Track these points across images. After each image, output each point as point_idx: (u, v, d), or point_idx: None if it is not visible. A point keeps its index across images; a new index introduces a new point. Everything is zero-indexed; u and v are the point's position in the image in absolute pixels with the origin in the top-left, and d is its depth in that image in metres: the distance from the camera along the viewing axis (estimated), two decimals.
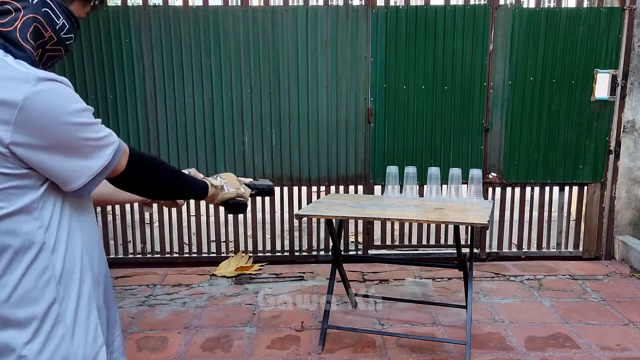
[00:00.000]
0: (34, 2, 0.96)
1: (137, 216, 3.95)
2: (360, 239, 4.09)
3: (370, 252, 4.02)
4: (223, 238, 4.03)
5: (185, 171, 1.30)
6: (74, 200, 0.99)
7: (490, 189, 3.91)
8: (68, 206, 0.97)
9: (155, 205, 1.46)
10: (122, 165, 1.00)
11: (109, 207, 4.36)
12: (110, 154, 0.96)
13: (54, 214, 0.94)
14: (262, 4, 3.74)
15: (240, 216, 4.06)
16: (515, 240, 4.08)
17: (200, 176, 1.34)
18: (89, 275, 1.01)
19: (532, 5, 3.82)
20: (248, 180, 1.48)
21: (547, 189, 3.98)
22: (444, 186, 2.96)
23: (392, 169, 2.95)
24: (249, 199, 1.41)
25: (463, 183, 2.91)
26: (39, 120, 0.86)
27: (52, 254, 0.93)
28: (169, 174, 1.17)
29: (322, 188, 4.09)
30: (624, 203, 3.95)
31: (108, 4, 4.01)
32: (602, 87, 3.77)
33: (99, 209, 3.91)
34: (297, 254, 4.01)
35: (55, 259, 0.94)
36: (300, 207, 3.86)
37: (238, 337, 2.81)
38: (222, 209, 1.44)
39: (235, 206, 1.37)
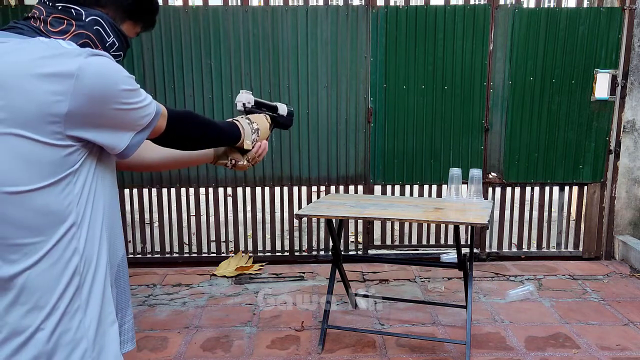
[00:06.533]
0: (87, 20, 1.03)
1: (137, 216, 3.94)
2: (360, 239, 4.09)
3: (370, 252, 4.02)
4: (223, 238, 4.03)
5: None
6: (102, 176, 1.03)
7: (490, 189, 3.91)
8: (96, 182, 1.02)
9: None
10: (162, 126, 1.09)
11: None
12: (151, 114, 1.03)
13: (84, 188, 0.99)
14: (262, 4, 3.74)
15: (240, 216, 4.07)
16: (515, 240, 4.08)
17: (245, 123, 1.39)
18: (105, 251, 1.04)
19: (532, 5, 3.81)
20: (273, 105, 1.53)
21: (547, 189, 3.98)
22: (444, 186, 2.96)
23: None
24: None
25: (463, 183, 2.92)
26: (93, 87, 0.92)
27: (79, 227, 0.98)
28: (204, 128, 1.24)
29: (322, 188, 4.09)
30: (624, 203, 3.95)
31: None
32: (602, 87, 3.77)
33: None
34: (297, 254, 4.01)
35: (81, 231, 0.98)
36: (300, 207, 3.86)
37: (238, 337, 2.81)
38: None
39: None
